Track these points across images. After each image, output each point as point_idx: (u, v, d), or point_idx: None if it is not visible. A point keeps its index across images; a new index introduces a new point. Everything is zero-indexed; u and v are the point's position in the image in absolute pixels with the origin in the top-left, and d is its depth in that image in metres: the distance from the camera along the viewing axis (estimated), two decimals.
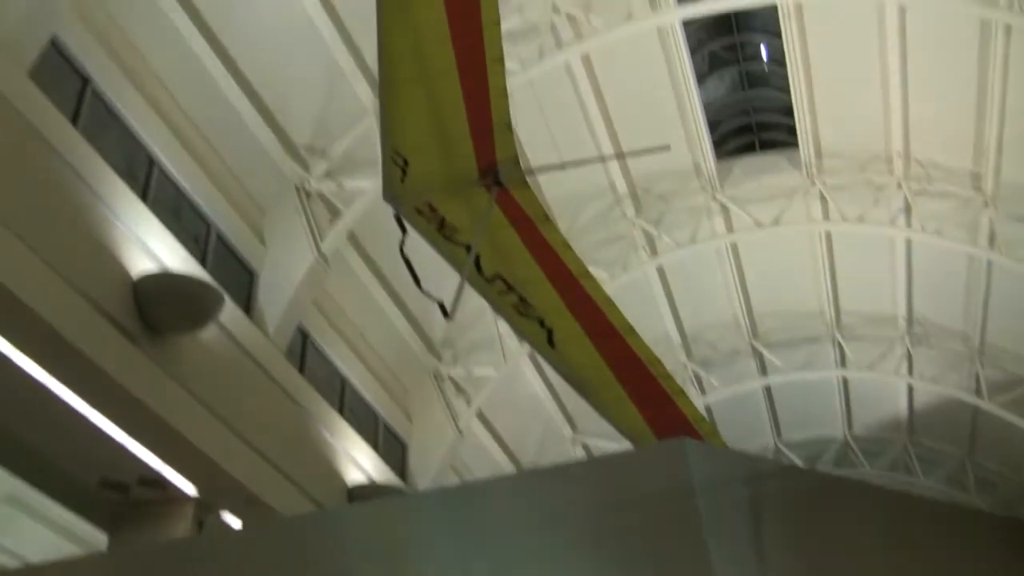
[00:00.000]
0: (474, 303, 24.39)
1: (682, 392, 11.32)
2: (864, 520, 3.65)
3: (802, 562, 3.53)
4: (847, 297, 27.86)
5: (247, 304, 18.16)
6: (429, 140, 9.85)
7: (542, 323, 11.02)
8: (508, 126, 9.65)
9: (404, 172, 10.05)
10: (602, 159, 21.14)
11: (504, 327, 24.65)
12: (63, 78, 14.59)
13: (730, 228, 25.65)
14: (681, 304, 28.06)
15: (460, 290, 10.08)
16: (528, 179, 10.20)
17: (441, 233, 10.49)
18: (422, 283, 10.48)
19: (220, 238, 17.90)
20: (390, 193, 10.17)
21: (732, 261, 26.89)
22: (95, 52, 15.15)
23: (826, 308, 28.25)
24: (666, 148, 11.99)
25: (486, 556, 3.53)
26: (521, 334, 11.49)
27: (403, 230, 10.40)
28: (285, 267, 18.72)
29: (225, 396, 15.39)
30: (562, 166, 10.55)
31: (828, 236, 25.96)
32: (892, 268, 26.24)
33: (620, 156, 18.84)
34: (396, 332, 23.53)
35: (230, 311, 16.11)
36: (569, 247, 10.39)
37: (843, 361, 29.28)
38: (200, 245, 17.29)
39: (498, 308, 11.21)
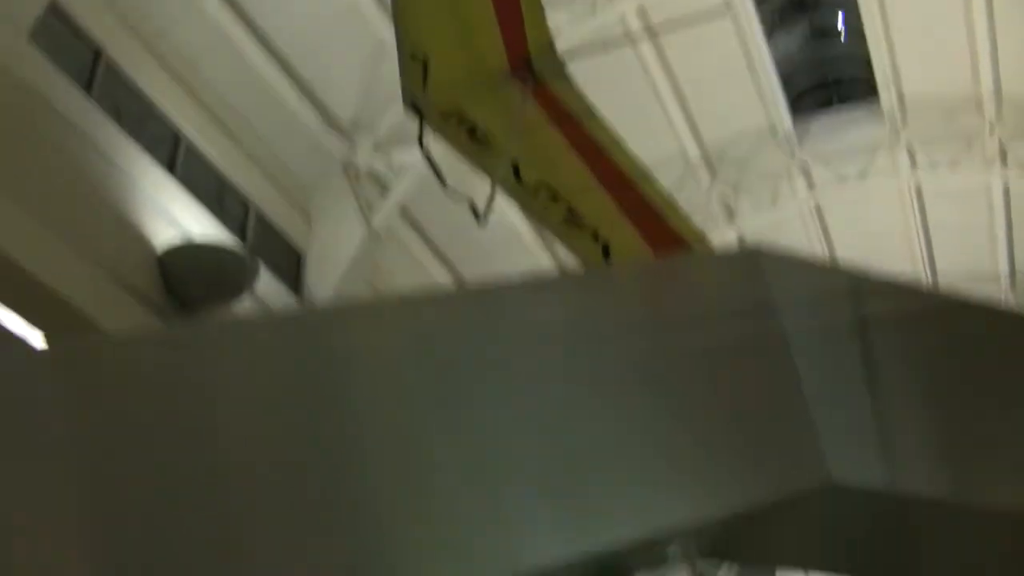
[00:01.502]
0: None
1: None
2: (990, 344, 2.55)
3: (920, 393, 2.45)
4: (943, 256, 26.07)
5: (295, 286, 17.04)
6: (450, 31, 8.52)
7: (596, 236, 9.69)
8: (539, 5, 8.35)
9: (425, 73, 8.74)
10: None
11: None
12: (70, 46, 13.53)
13: (812, 187, 24.09)
14: None
15: (492, 195, 8.75)
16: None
17: (473, 142, 9.22)
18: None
19: (261, 219, 16.81)
20: (411, 98, 8.93)
21: (818, 225, 25.30)
22: (105, 21, 14.09)
23: (921, 270, 26.55)
24: None
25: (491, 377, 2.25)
26: (573, 250, 10.17)
27: (422, 126, 9.13)
28: (334, 247, 17.68)
29: None
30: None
31: (919, 190, 24.26)
32: (990, 219, 24.51)
33: None
34: None
35: (273, 289, 15.02)
36: (621, 145, 9.03)
37: None
38: (240, 227, 16.20)
39: (545, 222, 9.95)
